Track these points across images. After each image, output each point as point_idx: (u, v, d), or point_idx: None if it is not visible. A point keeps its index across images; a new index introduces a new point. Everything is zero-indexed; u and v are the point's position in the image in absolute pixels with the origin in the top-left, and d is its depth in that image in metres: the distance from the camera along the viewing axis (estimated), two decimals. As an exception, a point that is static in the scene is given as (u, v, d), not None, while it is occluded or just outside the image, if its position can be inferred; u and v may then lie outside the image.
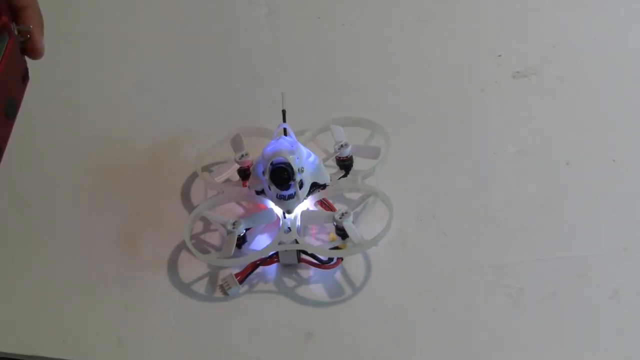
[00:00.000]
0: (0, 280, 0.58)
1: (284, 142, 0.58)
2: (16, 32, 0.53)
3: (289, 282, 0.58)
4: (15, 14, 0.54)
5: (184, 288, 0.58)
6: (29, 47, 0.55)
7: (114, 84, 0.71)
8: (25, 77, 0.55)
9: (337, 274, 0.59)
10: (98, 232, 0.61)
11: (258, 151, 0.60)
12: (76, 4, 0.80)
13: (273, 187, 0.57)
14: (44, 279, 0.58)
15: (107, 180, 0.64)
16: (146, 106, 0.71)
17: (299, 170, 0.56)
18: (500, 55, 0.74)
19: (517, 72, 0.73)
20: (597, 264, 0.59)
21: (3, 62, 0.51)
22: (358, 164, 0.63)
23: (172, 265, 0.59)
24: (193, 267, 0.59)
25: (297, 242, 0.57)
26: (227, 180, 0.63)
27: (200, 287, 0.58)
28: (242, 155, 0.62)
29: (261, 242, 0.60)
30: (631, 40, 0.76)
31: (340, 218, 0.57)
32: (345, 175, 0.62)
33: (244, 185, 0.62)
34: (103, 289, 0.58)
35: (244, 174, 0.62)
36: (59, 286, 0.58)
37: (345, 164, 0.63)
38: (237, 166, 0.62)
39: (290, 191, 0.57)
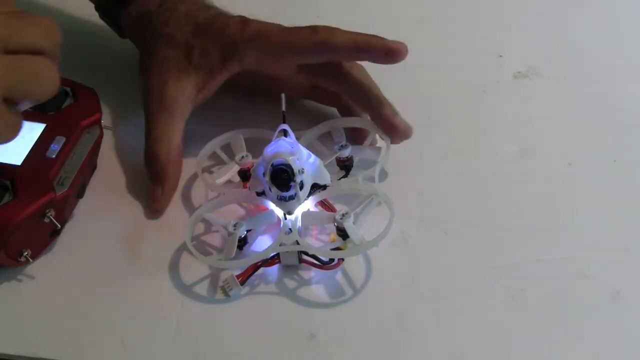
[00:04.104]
0: (3, 282, 0.58)
1: (284, 144, 0.58)
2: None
3: (290, 283, 0.58)
4: None
5: (186, 290, 0.58)
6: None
7: (115, 84, 0.71)
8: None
9: (338, 275, 0.59)
10: (99, 233, 0.61)
11: (258, 152, 0.60)
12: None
13: (274, 189, 0.57)
14: (47, 281, 0.58)
15: (107, 181, 0.64)
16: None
17: (299, 171, 0.56)
18: (501, 56, 0.74)
19: (519, 72, 0.73)
20: (599, 265, 0.59)
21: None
22: (359, 164, 0.63)
23: (174, 267, 0.59)
24: (194, 269, 0.59)
25: (298, 243, 0.57)
26: (228, 182, 0.63)
27: (202, 288, 0.58)
28: (243, 157, 0.62)
29: (262, 244, 0.60)
30: (632, 40, 0.76)
31: (341, 219, 0.57)
32: (345, 176, 0.62)
33: (244, 187, 0.62)
34: (105, 291, 0.58)
35: (245, 175, 0.62)
36: (61, 288, 0.58)
37: (345, 165, 0.63)
38: (237, 167, 0.62)
39: (291, 192, 0.57)
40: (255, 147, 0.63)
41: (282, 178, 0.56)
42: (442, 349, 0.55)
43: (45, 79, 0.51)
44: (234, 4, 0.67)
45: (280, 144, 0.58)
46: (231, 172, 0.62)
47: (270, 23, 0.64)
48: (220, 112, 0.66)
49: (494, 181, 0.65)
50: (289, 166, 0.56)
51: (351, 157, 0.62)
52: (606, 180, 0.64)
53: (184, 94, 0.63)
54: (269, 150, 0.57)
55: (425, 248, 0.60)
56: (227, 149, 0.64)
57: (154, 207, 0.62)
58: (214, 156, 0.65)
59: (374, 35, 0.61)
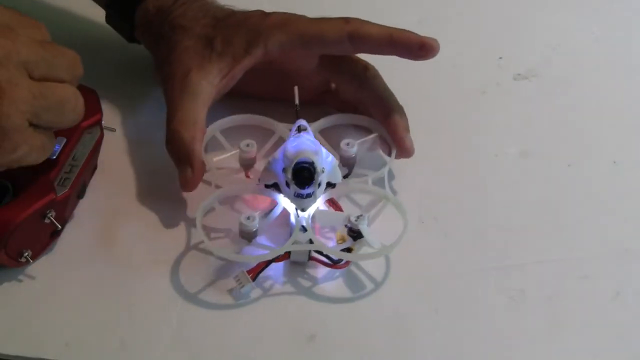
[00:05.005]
0: (3, 282, 0.58)
1: (307, 142, 0.58)
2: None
3: (290, 284, 0.58)
4: None
5: (186, 290, 0.58)
6: None
7: (115, 84, 0.71)
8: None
9: (339, 276, 0.59)
10: (99, 233, 0.61)
11: (260, 141, 0.62)
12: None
13: (293, 186, 0.57)
14: (47, 281, 0.58)
15: (108, 182, 0.64)
16: (145, 104, 0.70)
17: (321, 170, 0.56)
18: (501, 58, 0.75)
19: (518, 74, 0.73)
20: (599, 266, 0.59)
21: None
22: (360, 163, 0.63)
23: (174, 267, 0.59)
24: (194, 269, 0.59)
25: (311, 241, 0.57)
26: (227, 167, 0.62)
27: (202, 289, 0.58)
28: (248, 145, 0.61)
29: (269, 237, 0.59)
30: (632, 41, 0.76)
31: (355, 221, 0.57)
32: (348, 174, 0.62)
33: (246, 176, 0.62)
34: (105, 291, 0.58)
35: (247, 163, 0.62)
36: (61, 288, 0.58)
37: (349, 163, 0.63)
38: (237, 154, 0.62)
39: (309, 190, 0.57)
40: (257, 136, 0.63)
41: (305, 176, 0.56)
42: (442, 349, 0.55)
43: (72, 107, 0.54)
44: (235, 4, 0.67)
45: (303, 141, 0.57)
46: (231, 155, 0.62)
47: (295, 13, 0.64)
48: (226, 106, 0.66)
49: (494, 182, 0.65)
50: (312, 165, 0.56)
51: (355, 155, 0.62)
52: (606, 181, 0.65)
53: (207, 79, 0.62)
54: (291, 146, 0.57)
55: (425, 249, 0.60)
56: (227, 134, 0.64)
57: (186, 189, 0.61)
58: (216, 144, 0.64)
59: (407, 30, 0.61)
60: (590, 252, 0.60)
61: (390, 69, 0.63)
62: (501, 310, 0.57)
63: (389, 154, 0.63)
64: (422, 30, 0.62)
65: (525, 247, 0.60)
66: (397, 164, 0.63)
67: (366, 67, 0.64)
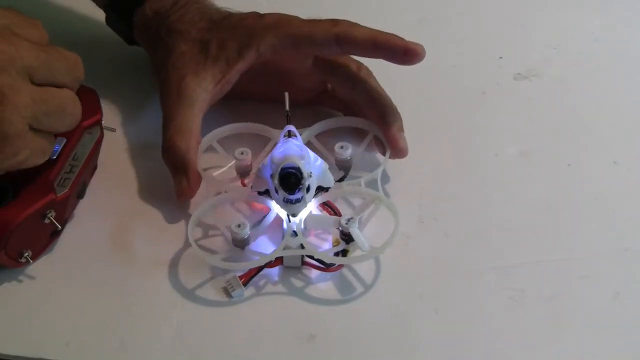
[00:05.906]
0: (3, 282, 0.58)
1: (293, 147, 0.58)
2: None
3: (290, 284, 0.58)
4: None
5: (186, 290, 0.58)
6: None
7: (115, 84, 0.71)
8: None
9: (339, 276, 0.59)
10: (99, 233, 0.61)
11: (257, 149, 0.61)
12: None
13: (281, 191, 0.57)
14: (47, 281, 0.58)
15: (108, 182, 0.64)
16: (145, 103, 0.70)
17: (308, 175, 0.56)
18: (501, 57, 0.75)
19: (519, 73, 0.73)
20: (599, 266, 0.59)
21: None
22: (358, 165, 0.63)
23: (174, 267, 0.59)
24: (194, 269, 0.59)
25: (302, 246, 0.57)
26: (225, 176, 0.62)
27: (202, 288, 0.58)
28: (242, 153, 0.62)
29: (263, 243, 0.59)
30: (632, 41, 0.76)
31: (346, 224, 0.57)
32: (344, 177, 0.62)
33: (242, 183, 0.62)
34: (105, 291, 0.58)
35: (243, 171, 0.62)
36: (61, 288, 0.58)
37: (344, 165, 0.63)
38: (234, 163, 0.62)
39: (298, 195, 0.57)
40: (254, 143, 0.63)
41: (291, 182, 0.56)
42: (442, 349, 0.55)
43: (70, 112, 0.54)
44: (232, 5, 0.67)
45: (289, 146, 0.57)
46: (229, 166, 0.62)
47: (289, 14, 0.64)
48: (223, 112, 0.66)
49: (494, 182, 0.65)
50: (298, 170, 0.56)
51: (351, 159, 0.62)
52: (606, 181, 0.65)
53: (202, 86, 0.63)
54: (278, 152, 0.57)
55: (426, 249, 0.60)
56: (224, 142, 0.64)
57: (182, 199, 0.62)
58: (213, 152, 0.64)
59: (393, 34, 0.61)
60: (590, 252, 0.60)
61: (390, 69, 0.63)
62: (501, 310, 0.57)
63: (385, 154, 0.63)
64: (422, 30, 0.62)
65: (525, 247, 0.60)
66: (397, 165, 0.63)
67: (359, 67, 0.64)
